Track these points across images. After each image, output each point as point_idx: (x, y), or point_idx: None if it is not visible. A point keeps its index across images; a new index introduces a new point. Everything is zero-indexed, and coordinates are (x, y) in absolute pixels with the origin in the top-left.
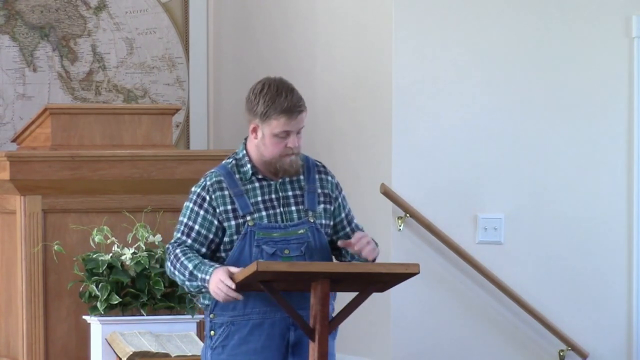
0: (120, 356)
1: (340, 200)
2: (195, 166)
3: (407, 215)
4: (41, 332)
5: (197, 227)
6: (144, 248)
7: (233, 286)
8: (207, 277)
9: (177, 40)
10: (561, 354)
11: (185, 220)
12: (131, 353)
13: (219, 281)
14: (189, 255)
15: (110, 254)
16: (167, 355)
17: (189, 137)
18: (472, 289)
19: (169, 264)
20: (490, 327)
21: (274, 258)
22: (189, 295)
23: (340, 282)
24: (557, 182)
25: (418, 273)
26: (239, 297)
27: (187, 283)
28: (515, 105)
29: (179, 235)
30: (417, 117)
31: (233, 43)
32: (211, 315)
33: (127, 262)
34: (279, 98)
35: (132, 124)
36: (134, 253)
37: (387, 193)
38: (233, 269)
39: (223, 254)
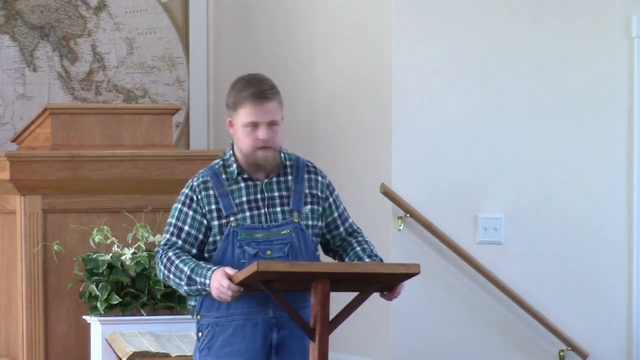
0: (120, 356)
1: (331, 200)
2: (195, 166)
3: (407, 215)
4: (41, 332)
5: (186, 227)
6: (144, 248)
7: (235, 288)
8: (207, 282)
9: (177, 40)
10: (561, 354)
11: (174, 221)
12: (131, 353)
13: (220, 286)
14: (182, 258)
15: (110, 254)
16: (167, 355)
17: (189, 137)
18: (472, 289)
19: (161, 267)
20: (490, 327)
21: (256, 259)
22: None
23: (340, 282)
24: (557, 182)
25: (419, 273)
26: (241, 289)
27: (185, 287)
28: (515, 105)
29: (168, 236)
30: (417, 117)
31: (233, 43)
32: (198, 317)
33: (127, 262)
34: (248, 87)
35: (132, 124)
36: (134, 253)
37: (387, 193)
38: (229, 270)
39: (206, 255)
